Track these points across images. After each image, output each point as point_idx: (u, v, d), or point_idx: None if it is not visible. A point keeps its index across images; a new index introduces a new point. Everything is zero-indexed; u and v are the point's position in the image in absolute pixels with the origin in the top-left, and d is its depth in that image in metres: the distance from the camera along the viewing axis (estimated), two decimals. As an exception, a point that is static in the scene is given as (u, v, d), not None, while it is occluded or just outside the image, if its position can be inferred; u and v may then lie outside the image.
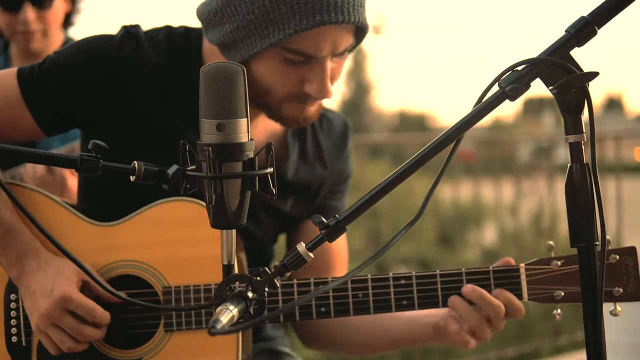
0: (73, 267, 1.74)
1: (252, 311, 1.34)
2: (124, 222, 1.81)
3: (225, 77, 1.33)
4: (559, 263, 1.77)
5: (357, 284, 1.78)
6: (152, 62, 1.84)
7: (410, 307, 1.78)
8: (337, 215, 1.36)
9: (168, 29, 1.91)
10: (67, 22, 2.98)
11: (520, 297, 1.77)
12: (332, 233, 1.36)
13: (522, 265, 1.78)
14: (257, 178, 1.37)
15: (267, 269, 1.37)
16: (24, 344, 1.80)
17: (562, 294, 1.76)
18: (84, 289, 1.75)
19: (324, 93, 1.79)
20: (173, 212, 1.80)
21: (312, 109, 1.85)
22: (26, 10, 2.83)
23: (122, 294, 1.73)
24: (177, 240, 1.79)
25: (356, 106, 28.00)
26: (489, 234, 8.12)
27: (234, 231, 1.39)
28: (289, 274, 1.37)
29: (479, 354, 5.71)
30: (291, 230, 2.10)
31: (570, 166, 1.35)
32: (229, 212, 1.37)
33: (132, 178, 1.36)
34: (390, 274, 1.78)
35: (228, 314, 1.26)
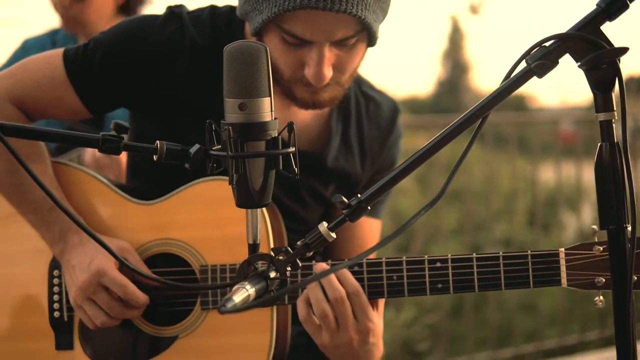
0: (112, 245, 1.76)
1: (274, 290, 1.34)
2: (165, 200, 1.84)
3: (247, 56, 1.33)
4: (601, 248, 1.70)
5: (392, 266, 1.75)
6: (194, 42, 1.85)
7: (445, 290, 1.74)
8: (359, 195, 1.35)
9: (212, 8, 1.92)
10: (128, 9, 2.99)
11: (559, 282, 1.71)
12: (354, 213, 1.35)
13: (562, 250, 1.72)
14: (280, 157, 1.36)
15: (289, 249, 1.36)
16: (65, 319, 1.85)
17: (603, 280, 1.69)
18: (121, 268, 1.78)
19: (318, 79, 1.75)
20: (212, 191, 1.81)
21: (325, 95, 1.82)
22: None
23: (148, 272, 1.76)
24: (215, 219, 1.81)
25: (453, 86, 27.62)
26: (587, 216, 7.91)
27: (259, 210, 1.40)
28: (310, 253, 1.37)
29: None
30: (329, 215, 2.07)
31: (600, 145, 1.30)
32: (252, 192, 1.37)
33: (154, 157, 1.37)
34: (426, 257, 1.74)
35: (243, 292, 1.26)
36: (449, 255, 1.74)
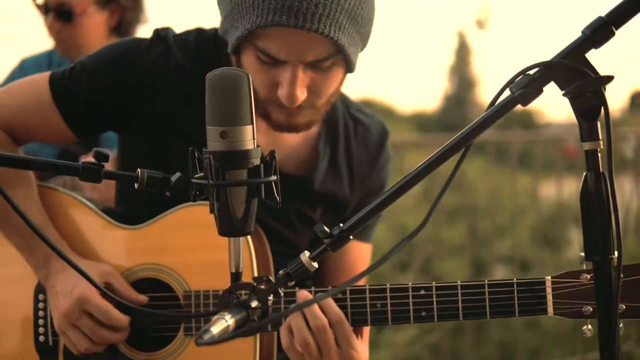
0: (96, 270, 1.77)
1: (256, 320, 1.32)
2: (149, 225, 1.83)
3: (228, 84, 1.32)
4: (588, 277, 1.67)
5: (376, 293, 1.73)
6: (179, 65, 1.84)
7: (430, 318, 1.71)
8: (341, 225, 1.33)
9: (198, 31, 1.91)
10: (121, 31, 3.00)
11: (545, 311, 1.68)
12: (336, 242, 1.33)
13: (548, 278, 1.69)
14: (262, 185, 1.35)
15: (270, 278, 1.35)
16: (50, 343, 1.84)
17: (591, 309, 1.66)
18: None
19: (290, 100, 1.74)
20: (196, 216, 1.80)
21: (300, 119, 1.80)
22: (49, 18, 2.89)
23: (133, 296, 1.76)
24: (199, 244, 1.80)
25: (460, 101, 27.60)
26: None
27: (241, 239, 1.38)
28: (292, 283, 1.35)
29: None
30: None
31: (585, 175, 1.28)
32: (234, 220, 1.35)
33: (135, 185, 1.36)
34: (410, 284, 1.72)
35: (222, 324, 1.24)
36: (434, 283, 1.71)
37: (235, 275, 1.39)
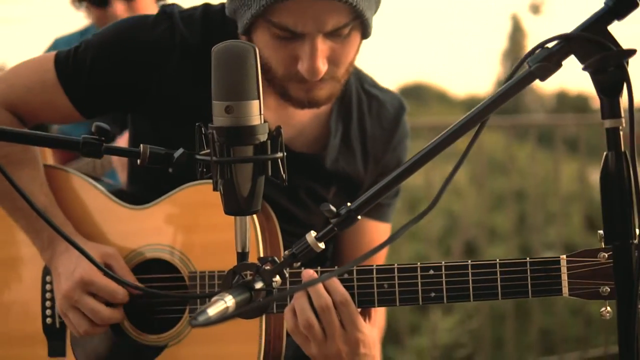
0: (97, 251, 1.74)
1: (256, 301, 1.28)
2: (155, 205, 1.79)
3: (234, 56, 1.27)
4: (606, 255, 1.58)
5: (383, 273, 1.66)
6: (184, 41, 1.80)
7: (439, 299, 1.64)
8: (348, 204, 1.28)
9: (205, 5, 1.87)
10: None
11: (559, 292, 1.60)
12: (342, 222, 1.28)
13: (564, 256, 1.60)
14: (269, 162, 1.30)
15: (276, 259, 1.30)
16: (57, 325, 1.82)
17: (609, 289, 1.57)
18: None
19: (312, 73, 1.68)
20: (201, 195, 1.76)
21: (321, 92, 1.74)
22: (114, 3, 2.86)
23: (132, 279, 1.74)
24: (204, 224, 1.76)
25: (513, 86, 27.16)
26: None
27: (247, 218, 1.34)
28: (298, 263, 1.30)
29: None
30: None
31: (605, 154, 1.21)
32: (240, 198, 1.31)
33: (138, 161, 1.32)
34: (418, 264, 1.65)
35: (220, 305, 1.20)
36: (443, 263, 1.64)
37: (242, 255, 1.34)
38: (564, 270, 1.60)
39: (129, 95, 1.82)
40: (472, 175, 7.27)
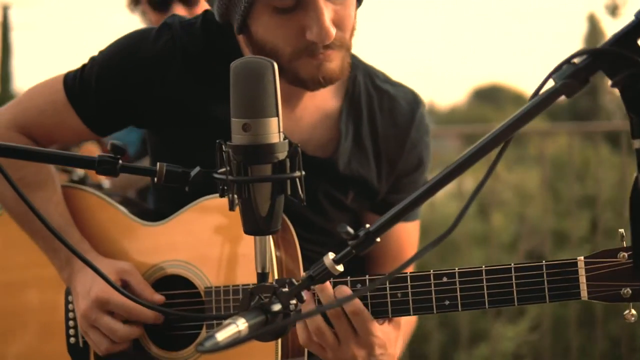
0: (113, 267, 1.74)
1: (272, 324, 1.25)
2: (171, 220, 1.79)
3: (251, 73, 1.24)
4: (626, 255, 1.50)
5: (396, 282, 1.61)
6: (185, 51, 1.79)
7: (454, 307, 1.58)
8: (367, 225, 1.24)
9: (204, 13, 1.85)
10: None
11: (578, 295, 1.53)
12: (361, 245, 1.23)
13: (581, 258, 1.53)
14: (288, 182, 1.27)
15: (293, 280, 1.27)
16: (81, 345, 1.82)
17: (631, 291, 1.50)
18: (125, 288, 1.73)
19: (324, 35, 1.63)
20: (215, 209, 1.74)
21: (331, 65, 1.69)
22: (174, 9, 2.87)
23: (150, 294, 1.74)
24: (219, 239, 1.74)
25: (591, 89, 26.65)
26: None
27: (268, 238, 1.31)
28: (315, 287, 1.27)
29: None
30: (358, 223, 1.94)
31: (636, 177, 1.14)
32: (258, 218, 1.28)
33: (155, 180, 1.31)
34: (432, 271, 1.59)
35: (232, 329, 1.17)
36: (456, 269, 1.59)
37: (262, 276, 1.32)
38: (581, 272, 1.53)
39: (136, 110, 1.82)
40: (544, 180, 7.13)
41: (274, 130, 1.25)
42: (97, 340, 1.73)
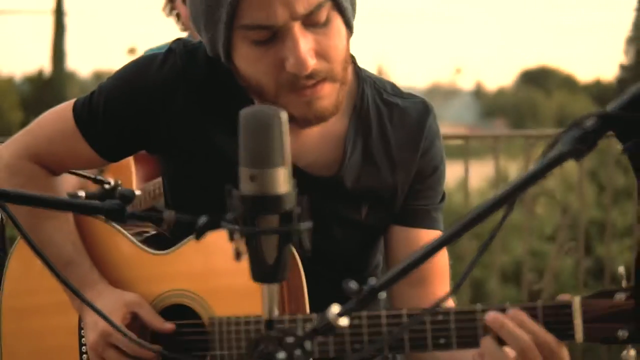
0: (122, 299, 1.76)
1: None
2: (178, 249, 1.81)
3: (258, 124, 1.24)
4: (624, 296, 1.47)
5: (392, 319, 1.61)
6: (188, 77, 1.79)
7: (448, 346, 1.56)
8: (373, 280, 1.23)
9: None
10: None
11: (572, 337, 1.49)
12: (365, 300, 1.23)
13: (577, 299, 1.50)
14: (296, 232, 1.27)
15: (299, 332, 1.27)
16: None
17: (627, 334, 1.47)
18: (134, 321, 1.75)
19: (301, 65, 1.61)
20: (221, 240, 1.74)
21: (323, 103, 1.68)
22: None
23: (160, 325, 1.76)
24: (223, 269, 1.75)
25: (638, 73, 26.12)
26: None
27: (275, 285, 1.31)
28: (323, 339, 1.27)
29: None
30: (376, 240, 1.93)
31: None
32: (265, 266, 1.29)
33: (164, 227, 1.31)
34: (427, 309, 1.60)
35: None
36: (452, 310, 1.57)
37: (269, 323, 1.32)
38: (577, 314, 1.50)
39: (144, 137, 1.83)
40: (589, 171, 7.07)
41: (282, 181, 1.25)
42: None
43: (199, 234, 1.31)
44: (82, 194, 3.03)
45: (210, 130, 1.77)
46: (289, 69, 1.63)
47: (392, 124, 1.87)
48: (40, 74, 29.29)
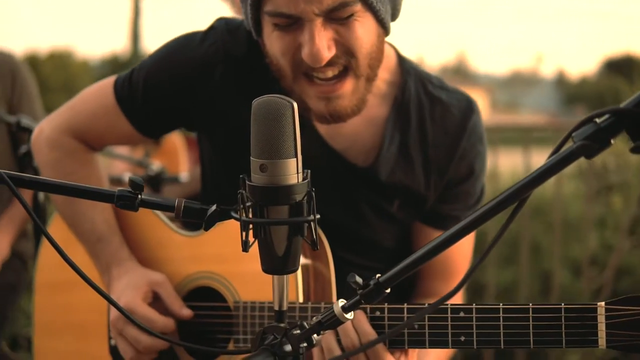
0: (146, 278, 1.76)
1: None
2: (209, 232, 1.79)
3: (269, 114, 1.23)
4: None
5: (414, 313, 1.57)
6: (229, 54, 1.79)
7: (469, 344, 1.52)
8: (378, 275, 1.22)
9: None
10: None
11: (595, 343, 1.44)
12: (370, 295, 1.21)
13: (602, 304, 1.44)
14: (305, 223, 1.26)
15: (304, 324, 1.26)
16: None
17: None
18: (156, 300, 1.76)
19: (313, 57, 1.58)
20: None
21: (342, 102, 1.66)
22: None
23: (179, 307, 1.76)
24: (251, 253, 1.73)
25: None
26: None
27: (285, 277, 1.30)
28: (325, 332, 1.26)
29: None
30: (407, 233, 1.89)
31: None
32: (275, 258, 1.28)
33: (174, 215, 1.32)
34: (449, 305, 1.53)
35: None
36: (474, 305, 1.52)
37: (279, 314, 1.31)
38: (601, 319, 1.44)
39: (182, 114, 1.84)
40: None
41: (292, 172, 1.23)
42: (123, 348, 1.77)
43: (208, 224, 1.31)
44: (127, 176, 3.07)
45: (244, 109, 1.77)
46: (304, 58, 1.62)
47: (432, 121, 1.83)
48: (115, 56, 29.81)
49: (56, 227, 1.96)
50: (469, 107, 1.84)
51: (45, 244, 2.02)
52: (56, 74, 26.29)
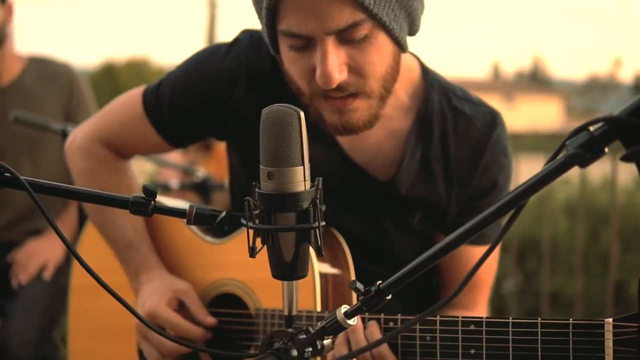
0: (172, 286, 1.81)
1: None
2: (231, 239, 1.85)
3: (276, 122, 1.26)
4: None
5: (426, 325, 1.57)
6: (251, 68, 1.82)
7: (478, 357, 1.52)
8: (379, 282, 1.23)
9: None
10: None
11: None
12: (371, 301, 1.23)
13: (609, 320, 1.42)
14: (312, 230, 1.28)
15: (310, 329, 1.29)
16: None
17: None
18: (181, 308, 1.81)
19: (324, 78, 1.58)
20: None
21: (355, 115, 1.66)
22: None
23: (203, 315, 1.81)
24: None
25: None
26: None
27: (295, 282, 1.33)
28: (329, 337, 1.28)
29: None
30: (429, 245, 1.90)
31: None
32: (283, 264, 1.31)
33: (185, 221, 1.35)
34: (460, 317, 1.54)
35: None
36: (484, 318, 1.52)
37: (288, 319, 1.34)
38: (608, 335, 1.41)
39: (208, 125, 1.89)
40: None
41: (299, 179, 1.26)
42: (147, 351, 1.81)
43: (217, 230, 1.34)
44: (174, 183, 3.13)
45: None
46: (317, 79, 1.62)
47: (455, 133, 1.82)
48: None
49: (89, 233, 2.02)
50: (493, 120, 1.84)
51: (80, 246, 2.09)
52: (133, 81, 26.90)
